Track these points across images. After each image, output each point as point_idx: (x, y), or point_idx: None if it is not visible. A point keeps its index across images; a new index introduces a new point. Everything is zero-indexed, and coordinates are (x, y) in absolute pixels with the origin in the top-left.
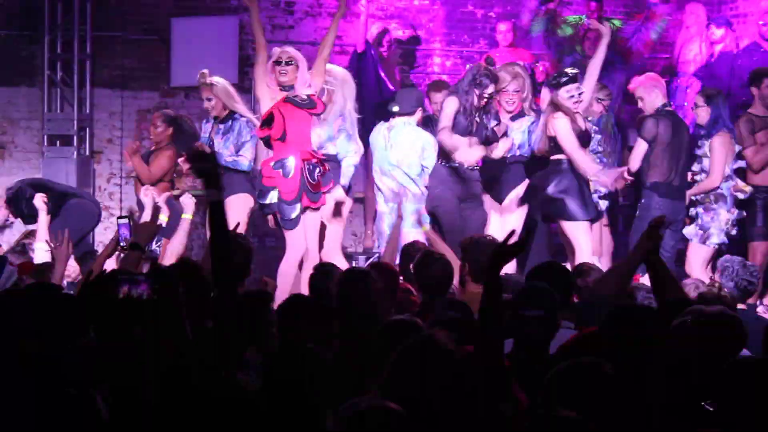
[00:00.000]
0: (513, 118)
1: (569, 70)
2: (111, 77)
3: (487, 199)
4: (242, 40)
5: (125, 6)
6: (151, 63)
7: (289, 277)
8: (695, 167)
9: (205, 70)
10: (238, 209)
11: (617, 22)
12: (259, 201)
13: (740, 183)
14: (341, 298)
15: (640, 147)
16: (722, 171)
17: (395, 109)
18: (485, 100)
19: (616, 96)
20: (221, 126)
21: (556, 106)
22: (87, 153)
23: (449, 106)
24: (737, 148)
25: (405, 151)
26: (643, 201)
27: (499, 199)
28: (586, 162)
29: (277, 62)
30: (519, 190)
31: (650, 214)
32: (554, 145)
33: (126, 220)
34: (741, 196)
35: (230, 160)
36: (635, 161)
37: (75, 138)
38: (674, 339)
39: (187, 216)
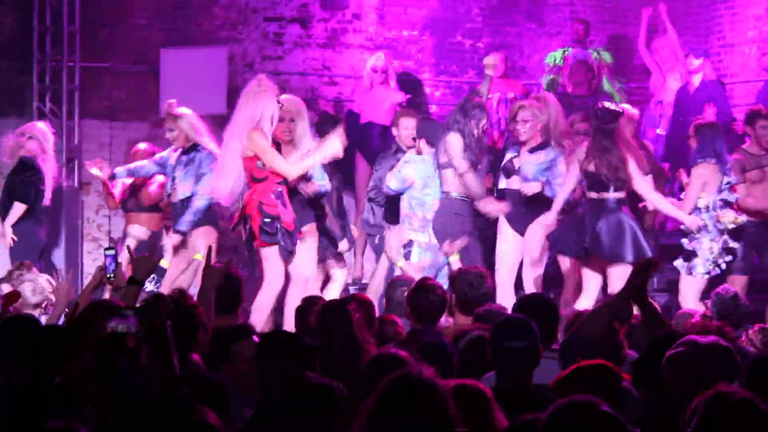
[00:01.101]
0: (532, 150)
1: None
2: (100, 108)
3: (505, 229)
4: (231, 71)
5: (114, 37)
6: (140, 94)
7: (269, 310)
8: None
9: (172, 101)
10: (200, 243)
11: (607, 56)
12: (268, 230)
13: (732, 214)
14: (321, 329)
15: None
16: (694, 200)
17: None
18: (482, 131)
19: None
20: (184, 157)
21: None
22: (76, 184)
23: (458, 145)
24: (726, 179)
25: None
26: None
27: (521, 231)
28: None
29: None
30: (542, 221)
31: None
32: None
33: (112, 252)
34: (731, 226)
35: (189, 196)
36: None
37: (64, 169)
38: (667, 370)
39: (199, 256)
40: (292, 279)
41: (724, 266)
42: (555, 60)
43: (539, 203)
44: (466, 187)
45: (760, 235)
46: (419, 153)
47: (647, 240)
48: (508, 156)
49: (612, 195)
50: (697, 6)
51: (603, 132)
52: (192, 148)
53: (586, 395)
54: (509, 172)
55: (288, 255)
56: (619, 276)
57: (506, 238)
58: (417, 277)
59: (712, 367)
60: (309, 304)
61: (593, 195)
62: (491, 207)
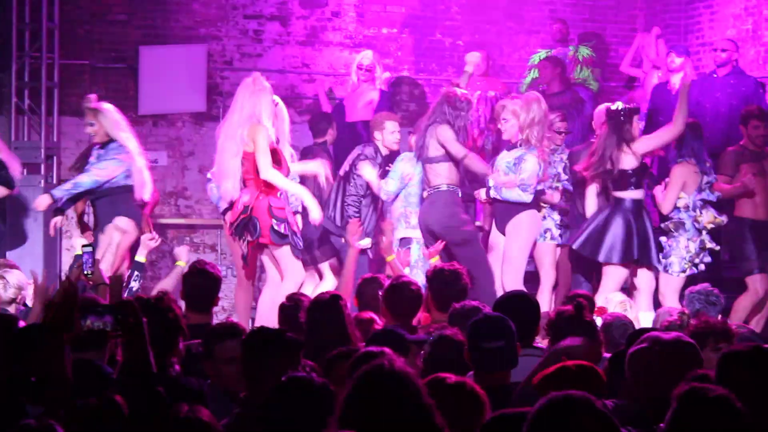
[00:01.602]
0: (509, 148)
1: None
2: (79, 106)
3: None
4: (210, 69)
5: (93, 34)
6: (119, 91)
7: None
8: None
9: (92, 95)
10: (116, 234)
11: (585, 51)
12: (280, 232)
13: (712, 214)
14: (312, 325)
15: None
16: (675, 199)
17: None
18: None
19: (586, 127)
20: (101, 151)
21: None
22: (54, 181)
23: (450, 134)
24: (705, 178)
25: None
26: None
27: (501, 230)
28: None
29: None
30: (519, 219)
31: None
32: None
33: (90, 248)
34: (710, 226)
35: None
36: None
37: (42, 166)
38: (631, 365)
39: (181, 263)
40: (269, 279)
41: (702, 266)
42: (538, 60)
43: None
44: (471, 169)
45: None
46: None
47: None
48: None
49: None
50: (676, 4)
51: (620, 130)
52: (109, 142)
53: (579, 391)
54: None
55: (298, 253)
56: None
57: (497, 235)
58: (404, 272)
59: (675, 363)
60: (293, 301)
61: (637, 195)
62: (502, 179)
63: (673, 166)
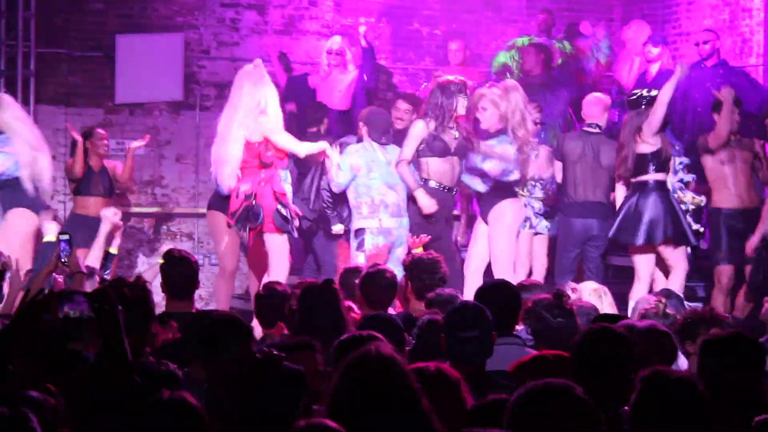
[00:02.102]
0: (486, 137)
1: (650, 92)
2: (55, 94)
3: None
4: (187, 57)
5: (70, 23)
6: (95, 80)
7: None
8: None
9: None
10: (19, 228)
11: (569, 47)
12: (285, 216)
13: (690, 194)
14: (304, 312)
15: (557, 167)
16: None
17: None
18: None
19: (562, 112)
20: None
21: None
22: None
23: (417, 133)
24: (678, 160)
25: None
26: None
27: (485, 218)
28: None
29: None
30: (501, 207)
31: (569, 232)
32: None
33: (66, 236)
34: (692, 207)
35: None
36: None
37: None
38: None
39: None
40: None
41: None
42: (517, 44)
43: (500, 190)
44: (401, 178)
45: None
46: (360, 140)
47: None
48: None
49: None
50: None
51: (639, 119)
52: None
53: (560, 379)
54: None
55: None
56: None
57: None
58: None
59: (648, 351)
60: (268, 290)
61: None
62: (424, 202)
63: None
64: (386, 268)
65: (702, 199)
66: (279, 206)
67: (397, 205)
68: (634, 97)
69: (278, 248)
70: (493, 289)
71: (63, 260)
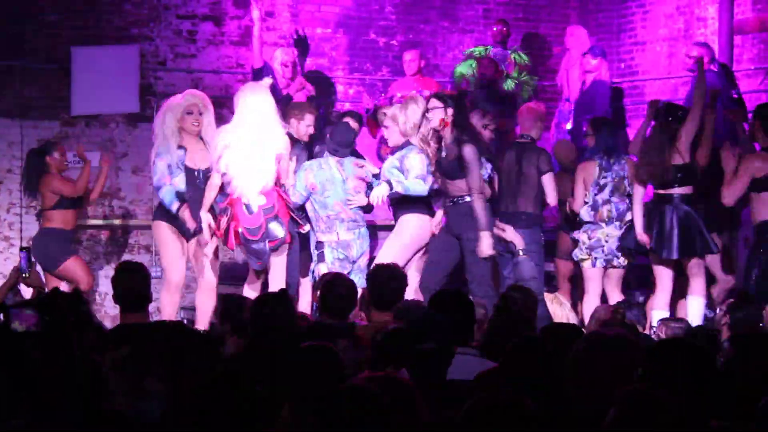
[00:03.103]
0: (393, 152)
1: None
2: (10, 107)
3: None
4: (143, 69)
5: (25, 35)
6: (51, 92)
7: None
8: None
9: None
10: None
11: (525, 58)
12: (297, 220)
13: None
14: (256, 321)
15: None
16: (580, 196)
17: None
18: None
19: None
20: None
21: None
22: None
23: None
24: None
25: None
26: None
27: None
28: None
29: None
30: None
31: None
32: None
33: (25, 251)
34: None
35: None
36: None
37: None
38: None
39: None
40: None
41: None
42: (474, 54)
43: (408, 202)
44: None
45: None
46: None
47: None
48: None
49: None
50: (608, 3)
51: (667, 128)
52: None
53: (509, 391)
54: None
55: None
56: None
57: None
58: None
59: (616, 359)
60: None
61: (682, 190)
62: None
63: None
64: (345, 277)
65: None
66: (292, 214)
67: (352, 219)
68: (664, 106)
69: (281, 262)
70: (446, 298)
71: (24, 274)
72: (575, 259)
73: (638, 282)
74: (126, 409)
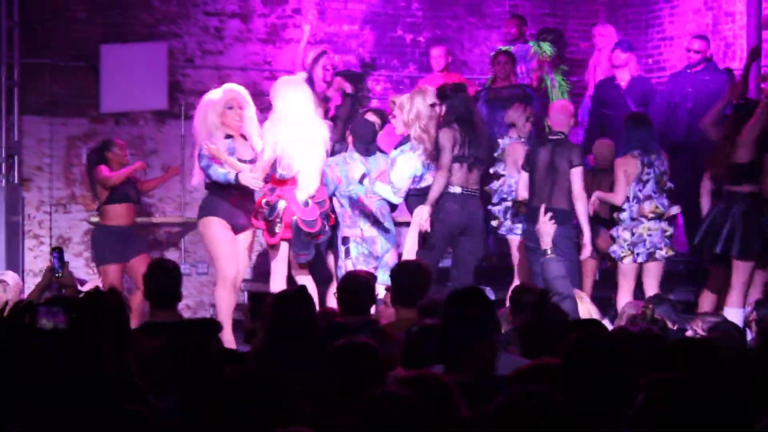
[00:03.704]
0: (396, 146)
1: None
2: (40, 104)
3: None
4: (171, 66)
5: (53, 32)
6: (80, 90)
7: None
8: None
9: None
10: None
11: (547, 48)
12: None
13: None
14: (275, 318)
15: (522, 176)
16: (623, 189)
17: None
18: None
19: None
20: None
21: None
22: (16, 180)
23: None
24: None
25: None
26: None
27: None
28: None
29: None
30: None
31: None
32: None
33: (57, 250)
34: (651, 216)
35: None
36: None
37: (3, 165)
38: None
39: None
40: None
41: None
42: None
43: (417, 197)
44: None
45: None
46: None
47: None
48: None
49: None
50: None
51: (739, 125)
52: None
53: (540, 385)
54: None
55: None
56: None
57: None
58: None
59: (643, 355)
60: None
61: (748, 188)
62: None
63: (616, 160)
64: (362, 273)
65: (677, 209)
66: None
67: (377, 214)
68: (743, 104)
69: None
70: (466, 295)
71: (57, 274)
72: (614, 256)
73: (685, 278)
74: (148, 407)
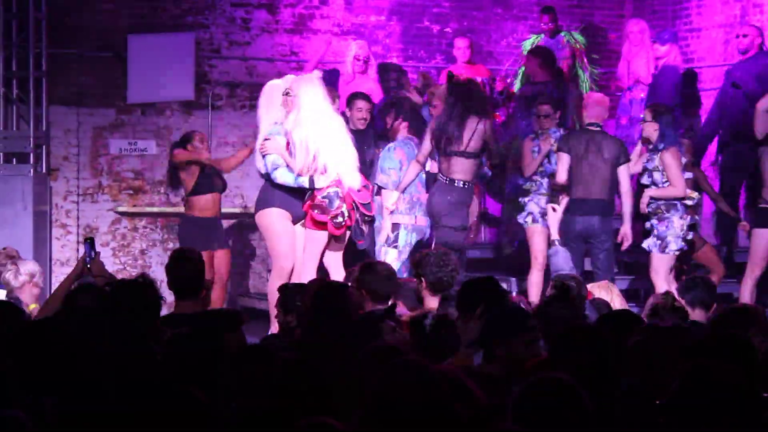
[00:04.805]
0: None
1: None
2: (67, 94)
3: None
4: (198, 57)
5: (81, 23)
6: (107, 80)
7: None
8: (645, 180)
9: None
10: None
11: (580, 38)
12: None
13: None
14: (316, 311)
15: (562, 159)
16: (682, 180)
17: None
18: None
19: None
20: None
21: None
22: (43, 170)
23: None
24: (684, 160)
25: None
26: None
27: None
28: None
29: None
30: None
31: (570, 229)
32: None
33: (89, 241)
34: (689, 202)
35: None
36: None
37: (31, 155)
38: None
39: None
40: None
41: (689, 239)
42: (525, 49)
43: None
44: None
45: None
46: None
47: None
48: None
49: None
50: None
51: None
52: None
53: (559, 372)
54: None
55: None
56: None
57: None
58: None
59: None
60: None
61: None
62: None
63: (662, 153)
64: (380, 261)
65: (696, 195)
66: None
67: (424, 204)
68: None
69: None
70: (480, 285)
71: (88, 265)
72: (648, 249)
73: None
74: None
